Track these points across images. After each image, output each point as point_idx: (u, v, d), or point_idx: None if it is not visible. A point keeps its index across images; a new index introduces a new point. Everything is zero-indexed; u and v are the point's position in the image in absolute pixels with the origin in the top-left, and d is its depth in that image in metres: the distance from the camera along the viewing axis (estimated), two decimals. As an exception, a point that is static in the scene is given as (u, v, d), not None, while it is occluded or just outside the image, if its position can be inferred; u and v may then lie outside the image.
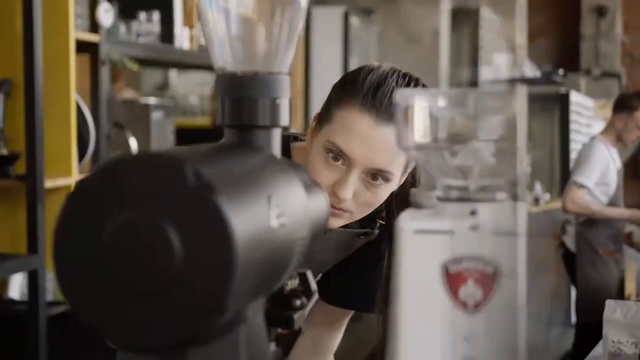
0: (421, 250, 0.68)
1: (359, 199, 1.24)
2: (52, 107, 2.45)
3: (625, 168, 9.63)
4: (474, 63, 7.31)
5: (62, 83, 2.46)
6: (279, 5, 0.79)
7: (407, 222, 0.69)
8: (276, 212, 0.69)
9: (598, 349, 2.11)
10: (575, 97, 6.91)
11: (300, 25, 0.80)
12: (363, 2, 7.67)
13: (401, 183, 1.32)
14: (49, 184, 2.41)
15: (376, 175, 1.23)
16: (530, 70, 6.11)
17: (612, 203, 4.33)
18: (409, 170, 1.32)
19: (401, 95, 0.70)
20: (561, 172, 7.24)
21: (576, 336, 4.49)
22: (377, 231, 1.41)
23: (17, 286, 2.70)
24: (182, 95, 5.89)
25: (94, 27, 2.65)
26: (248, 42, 0.78)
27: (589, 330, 4.30)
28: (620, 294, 4.28)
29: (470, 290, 0.67)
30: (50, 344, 2.39)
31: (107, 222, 0.61)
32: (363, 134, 1.20)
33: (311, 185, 0.84)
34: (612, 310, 2.00)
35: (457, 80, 7.20)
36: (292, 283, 0.86)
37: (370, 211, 1.29)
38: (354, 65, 6.20)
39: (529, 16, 6.85)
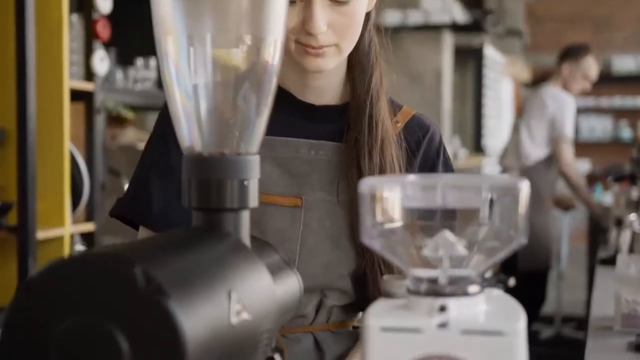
0: (388, 349, 0.65)
1: (336, 27, 1.16)
2: (45, 156, 2.44)
3: None
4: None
5: (55, 132, 2.45)
6: (247, 85, 0.77)
7: (373, 318, 0.66)
8: (237, 307, 0.66)
9: (609, 309, 1.88)
10: (488, 52, 6.92)
11: (269, 103, 0.78)
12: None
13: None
14: (41, 235, 2.38)
15: None
16: (460, 14, 5.98)
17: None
18: None
19: (366, 183, 0.68)
20: (474, 126, 7.23)
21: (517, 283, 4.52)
22: None
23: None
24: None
25: (90, 74, 2.64)
26: (215, 121, 0.76)
27: (530, 278, 4.34)
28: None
29: (439, 392, 0.64)
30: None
31: (54, 326, 0.59)
32: None
33: (281, 268, 0.81)
34: (625, 265, 1.81)
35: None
36: (263, 370, 0.83)
37: (356, 37, 1.20)
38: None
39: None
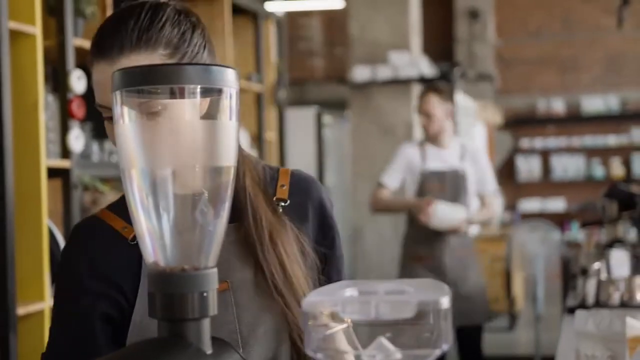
0: None
1: None
2: (24, 233, 2.51)
3: (500, 171, 9.89)
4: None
5: (34, 209, 2.53)
6: (203, 207, 0.86)
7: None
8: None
9: None
10: (459, 99, 7.07)
11: (225, 222, 0.87)
12: (336, 97, 7.88)
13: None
14: (21, 311, 2.45)
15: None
16: (427, 68, 6.10)
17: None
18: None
19: (308, 301, 0.77)
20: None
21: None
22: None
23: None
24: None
25: (66, 152, 2.73)
26: (176, 241, 0.85)
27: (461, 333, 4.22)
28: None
29: None
30: None
31: None
32: (103, 80, 1.19)
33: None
34: (584, 321, 1.87)
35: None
36: None
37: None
38: (328, 162, 6.39)
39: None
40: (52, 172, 2.67)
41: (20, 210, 2.50)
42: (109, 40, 1.19)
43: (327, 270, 1.35)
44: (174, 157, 0.85)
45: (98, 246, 1.24)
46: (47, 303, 2.55)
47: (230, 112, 0.85)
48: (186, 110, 0.88)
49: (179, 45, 1.22)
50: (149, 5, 1.22)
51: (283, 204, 1.31)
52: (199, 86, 0.83)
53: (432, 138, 4.13)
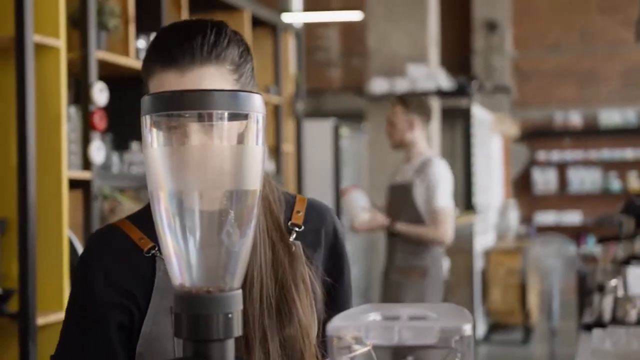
0: None
1: None
2: (45, 244, 2.54)
3: (516, 183, 9.90)
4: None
5: (55, 220, 2.56)
6: (229, 230, 0.87)
7: None
8: None
9: None
10: (476, 111, 7.07)
11: (250, 245, 0.88)
12: (354, 108, 7.89)
13: None
14: (41, 320, 2.48)
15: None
16: (445, 81, 6.13)
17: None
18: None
19: (333, 326, 0.78)
20: (465, 184, 7.30)
21: None
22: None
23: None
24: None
25: (87, 163, 2.76)
26: (202, 263, 0.87)
27: None
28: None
29: None
30: None
31: None
32: (167, 88, 1.20)
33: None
34: (601, 339, 1.85)
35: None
36: None
37: None
38: (345, 173, 6.41)
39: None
40: (73, 183, 2.71)
41: (42, 220, 2.53)
42: (179, 50, 1.21)
43: (334, 298, 1.35)
44: (201, 180, 0.87)
45: (114, 255, 1.28)
46: (66, 313, 2.57)
47: (257, 137, 0.87)
48: (214, 135, 0.90)
49: (240, 64, 1.25)
50: (212, 23, 1.25)
51: (297, 229, 1.33)
52: (227, 111, 0.85)
53: (395, 147, 4.25)
